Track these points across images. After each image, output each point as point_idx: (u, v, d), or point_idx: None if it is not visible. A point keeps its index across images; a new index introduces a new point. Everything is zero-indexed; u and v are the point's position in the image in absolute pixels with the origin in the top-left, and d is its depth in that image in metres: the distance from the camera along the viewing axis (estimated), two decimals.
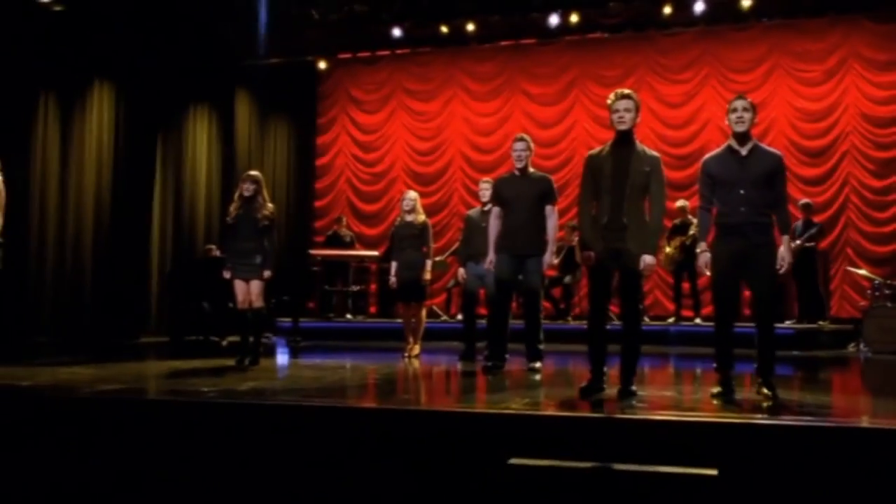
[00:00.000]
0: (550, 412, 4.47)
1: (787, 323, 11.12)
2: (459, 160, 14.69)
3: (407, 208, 8.60)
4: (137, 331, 11.92)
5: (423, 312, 8.91)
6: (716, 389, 5.28)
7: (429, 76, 14.87)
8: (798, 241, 10.82)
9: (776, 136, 13.08)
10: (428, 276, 8.64)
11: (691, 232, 11.21)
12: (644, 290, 13.08)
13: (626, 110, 5.28)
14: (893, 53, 12.76)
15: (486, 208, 8.03)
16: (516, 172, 7.10)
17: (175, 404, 4.81)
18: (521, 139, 7.07)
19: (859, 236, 12.80)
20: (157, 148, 12.87)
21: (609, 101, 5.33)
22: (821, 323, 10.79)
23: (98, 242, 11.76)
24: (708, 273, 5.34)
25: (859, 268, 11.85)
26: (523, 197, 6.91)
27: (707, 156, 5.48)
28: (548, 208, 7.03)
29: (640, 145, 5.38)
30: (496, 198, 7.12)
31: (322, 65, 15.06)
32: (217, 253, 11.63)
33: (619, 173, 5.27)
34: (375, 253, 13.24)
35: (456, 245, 12.30)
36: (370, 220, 15.03)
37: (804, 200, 11.36)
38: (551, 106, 14.35)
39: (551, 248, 7.07)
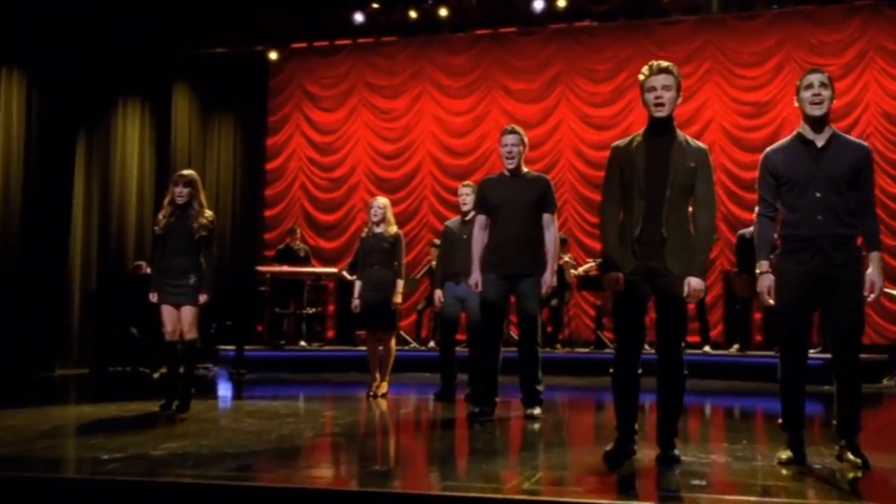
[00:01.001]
0: (577, 499, 3.35)
1: (811, 352, 10.10)
2: (429, 164, 13.91)
3: (375, 218, 7.68)
4: (53, 361, 10.75)
5: (393, 342, 7.89)
6: (784, 455, 4.28)
7: (395, 69, 14.11)
8: None
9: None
10: (399, 298, 7.69)
11: None
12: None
13: (666, 88, 4.26)
14: None
15: (467, 218, 7.23)
16: (506, 172, 6.16)
17: (52, 483, 3.64)
18: (513, 131, 6.14)
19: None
20: (79, 148, 11.83)
21: (641, 77, 4.31)
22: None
23: (6, 257, 10.52)
24: (771, 302, 4.29)
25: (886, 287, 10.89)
26: (515, 202, 6.00)
27: (770, 148, 4.47)
28: (546, 217, 6.11)
29: (681, 134, 4.35)
30: (482, 204, 6.19)
31: (273, 55, 14.24)
32: (147, 270, 10.71)
33: (656, 170, 4.24)
34: (334, 270, 12.41)
35: (428, 261, 11.34)
36: (328, 232, 14.20)
37: None
38: (533, 103, 13.60)
39: (551, 265, 6.11)
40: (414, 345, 11.81)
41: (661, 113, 4.24)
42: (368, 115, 14.20)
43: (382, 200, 7.84)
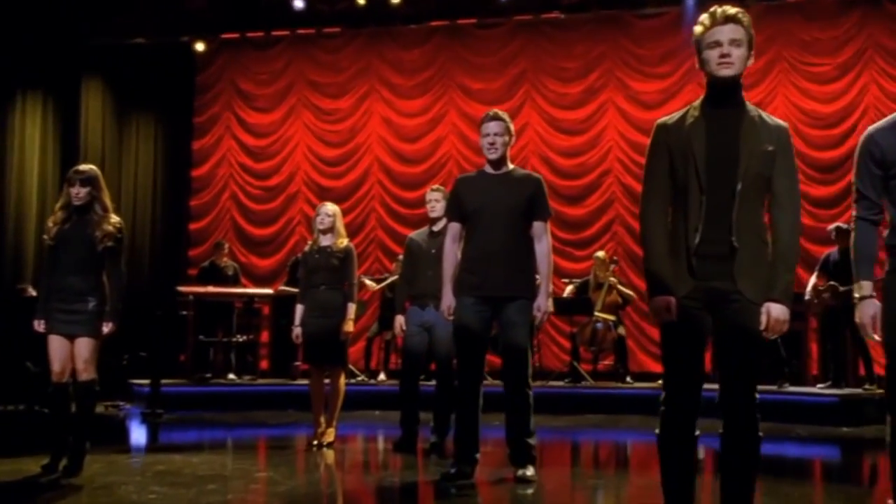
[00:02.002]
0: None
1: (819, 387, 9.32)
2: (378, 172, 13.07)
3: (322, 227, 6.71)
4: None
5: (342, 379, 6.82)
6: None
7: (340, 65, 13.27)
8: (833, 282, 9.16)
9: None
10: (350, 326, 6.70)
11: None
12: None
13: (735, 44, 3.23)
14: None
15: (436, 228, 6.46)
16: (487, 169, 5.19)
17: None
18: (496, 117, 5.17)
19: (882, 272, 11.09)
20: None
21: (699, 30, 3.31)
22: (867, 387, 9.04)
23: None
24: (876, 337, 3.29)
25: None
26: (499, 206, 5.02)
27: (873, 127, 3.47)
28: (537, 225, 5.12)
29: (753, 107, 3.31)
30: (455, 208, 5.21)
31: (200, 47, 13.22)
32: (32, 292, 9.72)
33: (721, 156, 3.22)
34: (268, 291, 11.34)
35: (386, 278, 10.49)
36: (262, 248, 13.27)
37: (836, 224, 9.73)
38: (495, 104, 12.16)
39: (545, 286, 5.12)
40: (362, 378, 10.78)
41: (727, 71, 3.20)
42: (309, 115, 13.34)
43: (331, 207, 6.85)
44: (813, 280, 9.42)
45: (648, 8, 12.10)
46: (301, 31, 13.08)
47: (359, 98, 13.18)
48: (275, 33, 13.17)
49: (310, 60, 13.31)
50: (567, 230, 12.14)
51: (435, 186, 6.71)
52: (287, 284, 10.59)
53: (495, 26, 12.75)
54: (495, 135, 5.09)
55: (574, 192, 12.31)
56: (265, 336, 11.83)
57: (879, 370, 9.90)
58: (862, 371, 9.28)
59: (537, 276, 5.14)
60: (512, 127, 5.21)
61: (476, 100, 12.82)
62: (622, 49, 12.39)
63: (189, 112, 13.61)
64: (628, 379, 10.16)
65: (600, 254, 10.41)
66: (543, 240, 5.11)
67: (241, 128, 13.51)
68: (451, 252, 5.19)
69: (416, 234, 6.71)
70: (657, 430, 3.33)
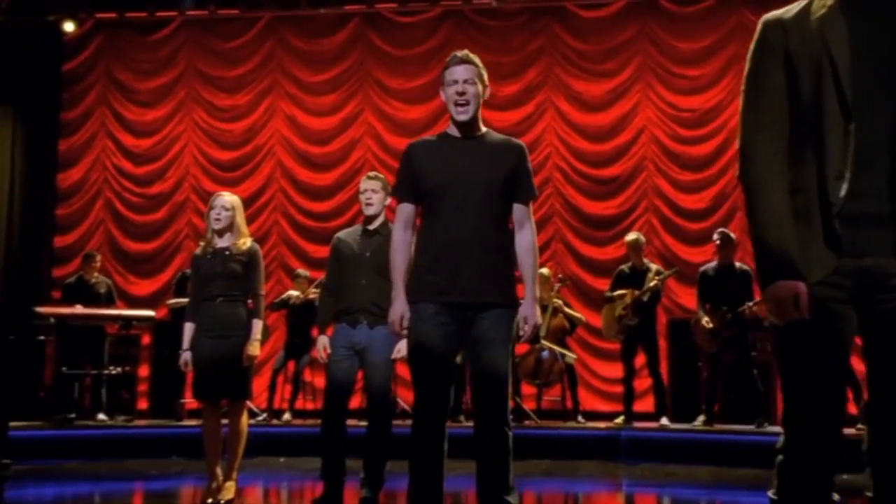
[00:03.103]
0: None
1: None
2: (281, 179, 12.32)
3: (219, 224, 5.79)
4: None
5: (245, 418, 5.86)
6: None
7: (238, 55, 12.52)
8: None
9: (734, 156, 10.68)
10: (256, 349, 5.73)
11: (651, 283, 8.96)
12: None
13: None
14: None
15: (372, 226, 5.67)
16: (453, 131, 4.21)
17: None
18: (466, 59, 4.19)
19: None
20: None
21: None
22: (859, 427, 8.32)
23: None
24: None
25: None
26: (471, 182, 4.08)
27: None
28: (519, 209, 4.19)
29: None
30: (408, 183, 4.20)
31: (69, 27, 12.36)
32: None
33: (876, 61, 2.32)
34: (149, 313, 10.40)
35: (304, 290, 9.86)
36: (142, 267, 12.44)
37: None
38: (418, 104, 12.16)
39: (532, 289, 4.14)
40: (263, 418, 9.85)
41: None
42: (201, 112, 12.57)
43: (229, 199, 5.88)
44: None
45: None
46: (192, 14, 12.32)
47: (259, 93, 12.49)
48: (160, 14, 12.43)
49: (202, 48, 12.59)
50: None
51: (372, 173, 5.80)
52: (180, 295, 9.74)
53: (419, 13, 12.15)
54: (465, 82, 4.07)
55: None
56: (144, 369, 11.09)
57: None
58: (852, 407, 8.57)
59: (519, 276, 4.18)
60: (485, 75, 4.21)
61: (396, 98, 12.24)
62: (561, 43, 11.85)
63: (55, 106, 12.82)
64: (580, 418, 9.33)
65: (544, 271, 9.50)
66: (527, 227, 4.15)
67: (118, 125, 12.71)
68: (404, 243, 4.17)
69: (346, 234, 5.79)
70: (772, 494, 2.27)
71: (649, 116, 11.49)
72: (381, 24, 12.19)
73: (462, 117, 4.08)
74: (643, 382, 9.83)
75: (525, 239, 4.13)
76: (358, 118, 12.17)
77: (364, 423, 5.62)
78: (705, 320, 8.58)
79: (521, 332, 4.08)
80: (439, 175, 4.06)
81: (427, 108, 11.99)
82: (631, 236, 9.32)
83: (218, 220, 5.70)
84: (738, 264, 8.83)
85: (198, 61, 12.48)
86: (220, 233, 5.72)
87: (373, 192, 5.61)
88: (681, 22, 11.60)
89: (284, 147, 12.32)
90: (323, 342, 5.60)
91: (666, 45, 11.61)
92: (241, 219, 5.82)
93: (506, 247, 4.10)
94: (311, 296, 9.49)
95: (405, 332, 4.06)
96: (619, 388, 9.89)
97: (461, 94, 4.07)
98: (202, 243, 5.89)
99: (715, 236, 8.90)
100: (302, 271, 10.12)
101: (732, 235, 8.95)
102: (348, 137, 12.15)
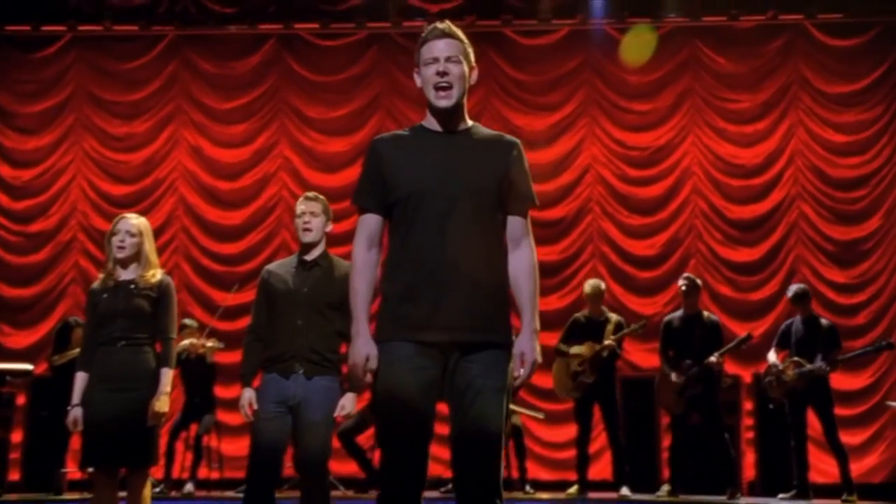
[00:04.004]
0: None
1: (781, 498, 8.41)
2: (184, 217, 11.57)
3: (123, 253, 5.20)
4: None
5: (148, 490, 5.17)
6: None
7: (136, 77, 11.82)
8: (808, 366, 8.19)
9: (688, 199, 11.06)
10: (164, 405, 5.03)
11: (609, 340, 8.46)
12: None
13: None
14: (854, 80, 11.08)
15: (311, 255, 5.16)
16: (431, 125, 3.61)
17: None
18: (448, 33, 3.57)
19: None
20: None
21: None
22: (846, 498, 8.01)
23: None
24: None
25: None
26: (456, 186, 3.48)
27: None
28: (515, 222, 3.57)
29: None
30: (374, 187, 3.58)
31: None
32: None
33: None
34: (26, 367, 9.74)
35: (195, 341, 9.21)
36: (19, 316, 11.52)
37: (796, 286, 8.87)
38: (340, 136, 11.64)
39: (530, 322, 3.49)
40: (160, 490, 9.07)
41: None
42: (91, 141, 11.77)
43: (136, 221, 5.32)
44: (772, 357, 8.38)
45: (530, 22, 11.16)
46: (84, 28, 11.57)
47: (160, 120, 11.78)
48: (47, 28, 11.69)
49: (94, 69, 11.84)
50: None
51: (311, 193, 5.33)
52: (55, 354, 9.10)
53: (343, 36, 11.60)
54: (447, 60, 3.48)
55: None
56: (18, 433, 10.28)
57: (857, 472, 9.07)
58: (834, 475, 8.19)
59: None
60: (472, 53, 3.61)
61: (315, 128, 11.69)
62: (501, 73, 11.45)
63: None
64: (528, 488, 8.78)
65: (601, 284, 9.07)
66: (524, 244, 3.55)
67: None
68: (367, 264, 3.51)
69: (278, 266, 5.26)
70: None
71: (595, 154, 11.16)
72: (299, 46, 11.65)
73: (443, 103, 3.48)
74: (594, 446, 9.30)
75: (522, 259, 3.52)
76: (272, 150, 11.59)
77: (296, 496, 5.00)
78: (674, 375, 8.08)
79: (516, 374, 3.45)
80: (415, 179, 3.45)
81: (350, 140, 11.49)
82: (590, 284, 8.84)
83: (121, 247, 5.06)
84: (705, 313, 8.45)
85: (90, 83, 11.75)
86: (124, 263, 5.08)
87: (312, 216, 5.12)
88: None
89: (188, 181, 11.65)
90: (248, 397, 4.94)
91: (613, 76, 11.32)
92: (150, 246, 5.18)
93: (500, 269, 3.50)
94: (201, 350, 8.93)
95: (368, 369, 3.39)
96: (568, 454, 9.39)
97: (443, 74, 3.47)
98: (101, 275, 5.19)
99: (680, 282, 8.47)
100: (189, 320, 9.47)
101: (699, 282, 8.51)
102: (261, 172, 11.53)
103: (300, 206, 5.16)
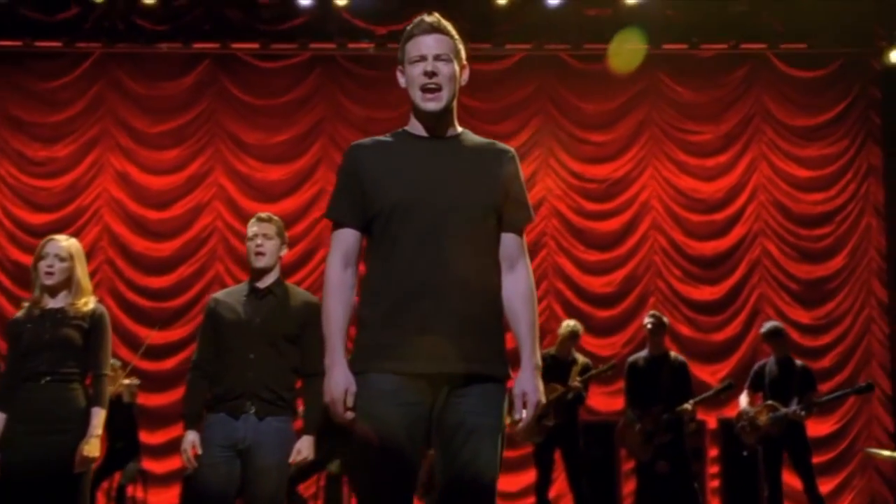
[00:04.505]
0: None
1: None
2: (108, 248, 11.11)
3: (52, 277, 4.82)
4: None
5: None
6: None
7: (58, 97, 11.33)
8: (783, 409, 7.92)
9: (647, 234, 10.91)
10: (96, 449, 4.73)
11: (575, 381, 8.18)
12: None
13: None
14: (817, 113, 11.04)
15: (264, 282, 4.88)
16: (416, 130, 3.38)
17: None
18: (437, 27, 3.35)
19: None
20: None
21: None
22: None
23: None
24: None
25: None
26: (446, 198, 3.23)
27: None
28: (510, 240, 3.32)
29: None
30: (352, 198, 3.30)
31: None
32: None
33: None
34: None
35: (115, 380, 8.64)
36: None
37: (770, 324, 8.62)
38: (279, 163, 11.26)
39: (532, 356, 3.21)
40: None
41: None
42: (8, 166, 11.26)
43: (66, 244, 4.95)
44: (744, 400, 8.14)
45: (491, 45, 10.77)
46: (2, 45, 11.03)
47: (84, 144, 11.30)
48: None
49: (13, 88, 11.32)
50: None
51: (265, 214, 5.05)
52: None
53: (284, 58, 11.20)
54: (436, 59, 3.26)
55: None
56: None
57: None
58: None
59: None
60: (463, 51, 3.37)
61: (252, 155, 11.25)
62: (462, 105, 10.92)
63: None
64: None
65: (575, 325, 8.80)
66: (521, 265, 3.30)
67: None
68: (343, 286, 3.22)
69: (227, 294, 4.99)
70: None
71: (549, 186, 10.94)
72: (237, 68, 11.26)
73: (431, 105, 3.23)
74: (553, 493, 9.02)
75: (519, 282, 3.25)
76: (206, 178, 11.17)
77: None
78: (639, 425, 7.84)
79: (517, 417, 3.14)
80: (400, 189, 3.19)
81: (289, 168, 11.16)
82: (568, 324, 8.54)
83: (50, 272, 4.69)
84: (672, 354, 8.21)
85: (7, 103, 11.22)
86: (53, 290, 4.72)
87: (265, 239, 4.81)
88: (586, 81, 11.11)
89: (114, 210, 11.19)
90: (191, 440, 4.58)
91: (569, 105, 11.13)
92: (82, 271, 4.83)
93: (497, 292, 3.23)
94: (119, 389, 8.51)
95: (349, 413, 3.04)
96: (526, 502, 9.11)
97: (431, 74, 3.23)
98: (25, 304, 4.81)
99: (646, 320, 8.23)
100: (113, 360, 9.01)
101: (665, 320, 8.27)
102: (194, 201, 11.10)
103: (252, 228, 4.90)
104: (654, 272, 10.60)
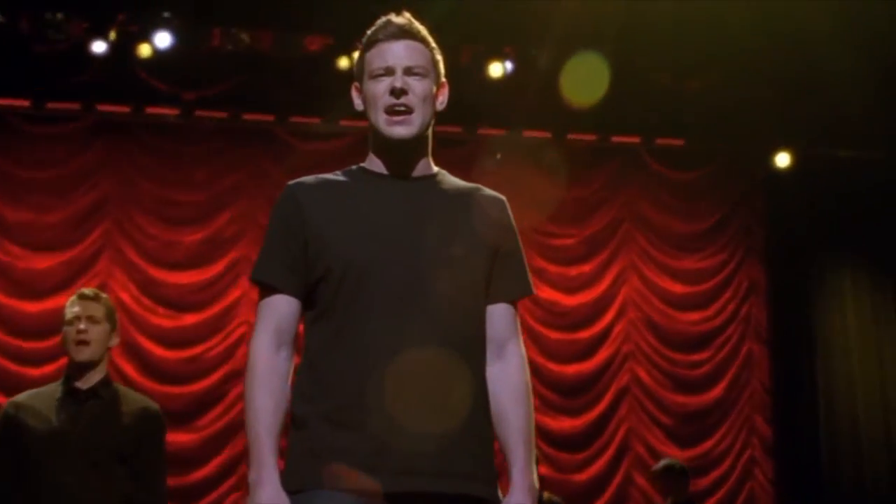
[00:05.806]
0: None
1: None
2: None
3: (81, 336, 4.58)
4: None
5: None
6: None
7: None
8: None
9: None
10: None
11: None
12: None
13: None
14: (693, 221, 10.80)
15: (85, 382, 4.45)
16: (375, 165, 2.99)
17: None
18: (407, 31, 2.97)
19: None
20: None
21: None
22: None
23: None
24: None
25: None
26: (419, 252, 2.83)
27: None
28: (499, 313, 2.95)
29: None
30: (289, 256, 2.86)
31: None
32: None
33: None
34: None
35: None
36: None
37: (667, 460, 8.65)
38: (50, 250, 10.18)
39: (526, 467, 2.86)
40: None
41: None
42: None
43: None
44: None
45: (321, 121, 9.96)
46: None
47: None
48: None
49: None
50: None
51: (90, 290, 4.64)
52: None
53: (63, 120, 10.17)
54: (407, 73, 2.87)
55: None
56: None
57: None
58: None
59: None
60: (441, 62, 2.99)
61: (16, 240, 10.02)
62: (270, 182, 10.07)
63: None
64: None
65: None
66: (512, 348, 2.94)
67: None
68: (274, 372, 2.81)
69: (32, 397, 4.41)
70: None
71: None
72: (5, 131, 10.13)
73: (399, 131, 2.82)
74: None
75: (510, 372, 2.88)
76: None
77: None
78: None
79: None
80: (355, 244, 2.79)
81: (61, 257, 10.02)
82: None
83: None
84: (546, 494, 7.84)
85: None
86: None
87: (90, 322, 4.29)
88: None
89: None
90: None
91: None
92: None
93: (483, 386, 2.87)
94: None
95: None
96: None
97: (400, 92, 2.82)
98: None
99: None
100: None
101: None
102: None
103: (72, 309, 4.40)
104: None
